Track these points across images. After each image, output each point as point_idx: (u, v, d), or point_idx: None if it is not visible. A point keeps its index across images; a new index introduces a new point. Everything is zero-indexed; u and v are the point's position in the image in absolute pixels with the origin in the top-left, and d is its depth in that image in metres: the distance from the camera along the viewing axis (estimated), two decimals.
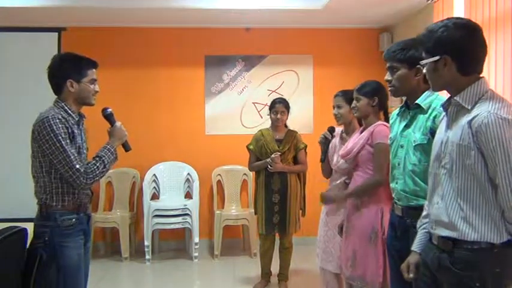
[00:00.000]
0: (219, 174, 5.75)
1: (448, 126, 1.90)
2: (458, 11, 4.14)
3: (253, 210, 5.08)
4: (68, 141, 2.42)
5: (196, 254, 5.33)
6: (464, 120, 1.81)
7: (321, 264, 3.47)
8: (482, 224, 1.78)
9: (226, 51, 5.81)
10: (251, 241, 5.38)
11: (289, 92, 5.72)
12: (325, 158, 3.47)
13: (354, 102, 3.06)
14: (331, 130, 3.49)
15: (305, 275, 4.77)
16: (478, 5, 3.80)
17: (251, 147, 4.40)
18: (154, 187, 5.60)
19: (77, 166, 2.40)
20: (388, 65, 2.44)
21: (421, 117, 2.33)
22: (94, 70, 2.58)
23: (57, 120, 2.41)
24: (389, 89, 2.49)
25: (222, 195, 5.77)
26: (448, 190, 1.85)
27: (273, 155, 4.18)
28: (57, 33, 3.72)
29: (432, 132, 2.22)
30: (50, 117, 2.41)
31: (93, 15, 5.20)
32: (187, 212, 5.31)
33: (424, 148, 2.29)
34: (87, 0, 4.79)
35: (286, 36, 5.80)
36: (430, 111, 2.31)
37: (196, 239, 5.30)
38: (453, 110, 1.89)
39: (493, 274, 1.77)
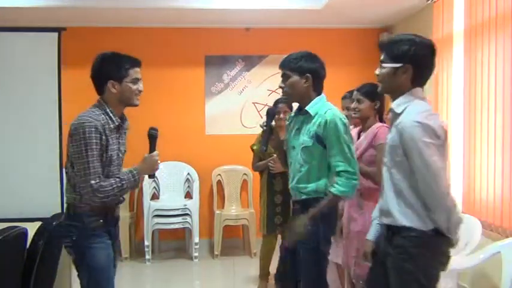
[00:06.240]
0: (219, 174, 5.74)
1: (390, 130, 2.20)
2: (458, 11, 4.14)
3: (253, 210, 5.08)
4: (96, 152, 2.34)
5: (196, 254, 5.33)
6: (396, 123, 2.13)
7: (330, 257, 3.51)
8: (411, 212, 2.07)
9: (226, 51, 5.81)
10: (251, 241, 5.38)
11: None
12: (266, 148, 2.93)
13: (355, 103, 3.06)
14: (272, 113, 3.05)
15: None
16: (478, 5, 3.80)
17: (254, 147, 4.39)
18: (154, 187, 5.60)
19: (92, 182, 2.32)
20: (281, 73, 2.67)
21: (310, 123, 2.61)
22: (137, 69, 2.48)
23: (93, 129, 2.33)
24: (282, 95, 2.74)
25: (222, 195, 5.77)
26: (388, 184, 2.16)
27: (274, 155, 4.17)
28: (57, 33, 3.69)
29: (317, 136, 2.56)
30: (87, 123, 2.33)
31: (93, 15, 5.20)
32: (187, 212, 5.31)
33: (309, 150, 2.59)
34: (87, 0, 4.79)
35: (286, 36, 5.79)
36: (316, 117, 2.59)
37: (196, 239, 5.30)
38: (391, 116, 2.20)
39: (424, 260, 2.05)
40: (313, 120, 2.59)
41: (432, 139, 2.00)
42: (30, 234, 2.62)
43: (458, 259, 3.10)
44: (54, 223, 2.81)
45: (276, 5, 5.00)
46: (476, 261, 3.07)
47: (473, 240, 3.18)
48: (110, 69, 2.43)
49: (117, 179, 2.41)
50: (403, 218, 2.07)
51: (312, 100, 2.64)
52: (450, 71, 4.25)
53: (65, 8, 4.79)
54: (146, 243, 5.24)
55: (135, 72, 2.46)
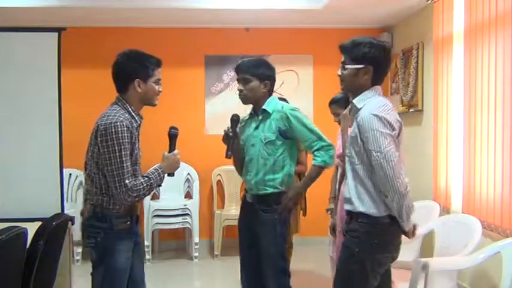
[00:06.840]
0: (219, 174, 5.75)
1: (352, 124, 2.37)
2: (458, 11, 4.14)
3: None
4: (128, 152, 2.35)
5: (196, 254, 5.33)
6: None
7: (331, 253, 3.58)
8: (368, 199, 2.24)
9: (226, 51, 5.81)
10: None
11: (289, 92, 5.70)
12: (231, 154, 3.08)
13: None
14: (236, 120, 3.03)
15: (302, 275, 4.75)
16: (478, 5, 3.80)
17: None
18: None
19: (126, 181, 2.32)
20: (240, 76, 2.92)
21: (268, 120, 2.91)
22: (159, 69, 2.53)
23: (125, 128, 2.33)
24: (240, 97, 2.96)
25: (222, 195, 5.77)
26: (349, 173, 2.33)
27: None
28: (57, 33, 3.69)
29: (279, 130, 2.87)
30: (118, 123, 2.32)
31: (93, 15, 5.20)
32: (187, 212, 5.31)
33: (272, 143, 2.88)
34: (87, 0, 4.79)
35: (286, 36, 5.80)
36: (274, 113, 2.89)
37: (196, 239, 5.30)
38: (353, 111, 2.38)
39: (373, 246, 2.24)
40: (272, 116, 2.90)
41: (388, 130, 2.19)
42: (30, 234, 2.61)
43: (458, 259, 3.10)
44: (54, 223, 2.80)
45: (276, 5, 5.00)
46: (476, 261, 3.06)
47: (473, 240, 3.17)
48: (137, 68, 2.46)
49: (146, 178, 2.43)
50: (360, 204, 2.25)
51: (266, 101, 2.94)
52: (450, 71, 4.25)
53: (65, 8, 4.79)
54: (146, 243, 5.24)
55: (158, 73, 2.53)
